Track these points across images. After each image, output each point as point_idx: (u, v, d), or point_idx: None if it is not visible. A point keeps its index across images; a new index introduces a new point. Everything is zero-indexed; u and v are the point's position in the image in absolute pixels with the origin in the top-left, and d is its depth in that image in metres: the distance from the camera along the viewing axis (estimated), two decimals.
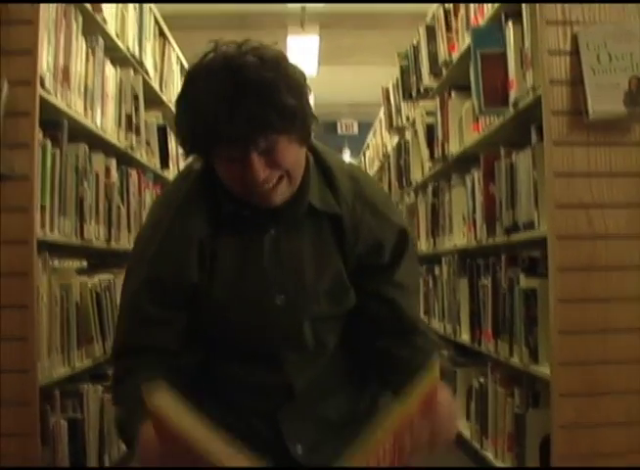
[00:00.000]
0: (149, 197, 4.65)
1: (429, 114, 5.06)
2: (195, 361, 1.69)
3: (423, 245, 5.45)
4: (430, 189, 5.24)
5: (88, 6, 3.36)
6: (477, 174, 3.95)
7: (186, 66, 5.65)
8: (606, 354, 2.85)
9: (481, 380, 3.99)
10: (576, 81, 2.86)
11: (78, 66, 3.29)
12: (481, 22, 3.65)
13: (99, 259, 4.08)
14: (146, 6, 4.73)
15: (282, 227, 1.67)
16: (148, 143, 4.80)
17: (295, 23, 8.41)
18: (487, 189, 3.70)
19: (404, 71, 5.94)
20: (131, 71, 4.26)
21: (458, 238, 4.44)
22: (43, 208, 2.90)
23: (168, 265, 1.65)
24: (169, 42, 5.57)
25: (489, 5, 3.51)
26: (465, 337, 4.24)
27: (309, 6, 8.13)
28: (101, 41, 3.61)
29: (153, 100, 4.93)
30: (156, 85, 5.04)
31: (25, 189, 2.77)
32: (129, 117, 4.19)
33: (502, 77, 3.32)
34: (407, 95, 5.81)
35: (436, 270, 5.07)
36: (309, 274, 1.67)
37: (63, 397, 3.16)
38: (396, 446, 1.35)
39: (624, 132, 2.89)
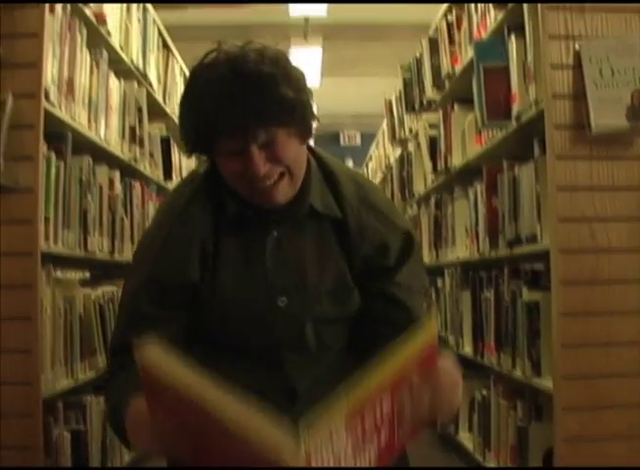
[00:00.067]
0: (152, 209, 4.65)
1: (431, 126, 5.07)
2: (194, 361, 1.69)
3: (425, 257, 5.41)
4: (432, 201, 5.23)
5: (92, 18, 3.37)
6: (479, 187, 3.96)
7: None
8: (609, 368, 2.84)
9: (484, 392, 3.98)
10: (579, 95, 2.86)
11: (83, 78, 3.30)
12: (484, 35, 3.66)
13: (102, 271, 4.09)
14: (150, 17, 4.75)
15: (284, 229, 1.69)
16: (151, 155, 4.82)
17: (298, 35, 8.43)
18: (490, 202, 3.70)
19: (407, 84, 5.95)
20: (135, 84, 4.28)
21: (461, 250, 4.43)
22: (47, 220, 2.91)
23: (169, 266, 1.66)
24: (173, 54, 5.59)
25: (492, 18, 3.52)
26: (467, 349, 4.24)
27: (312, 17, 8.15)
28: (105, 54, 3.63)
29: (156, 112, 4.95)
30: (159, 97, 5.06)
31: (30, 201, 2.78)
32: (133, 130, 4.20)
33: (505, 91, 3.32)
34: (410, 107, 5.81)
35: (439, 283, 5.07)
36: (311, 275, 1.68)
37: (66, 408, 3.16)
38: (395, 406, 1.30)
39: (627, 146, 2.90)
